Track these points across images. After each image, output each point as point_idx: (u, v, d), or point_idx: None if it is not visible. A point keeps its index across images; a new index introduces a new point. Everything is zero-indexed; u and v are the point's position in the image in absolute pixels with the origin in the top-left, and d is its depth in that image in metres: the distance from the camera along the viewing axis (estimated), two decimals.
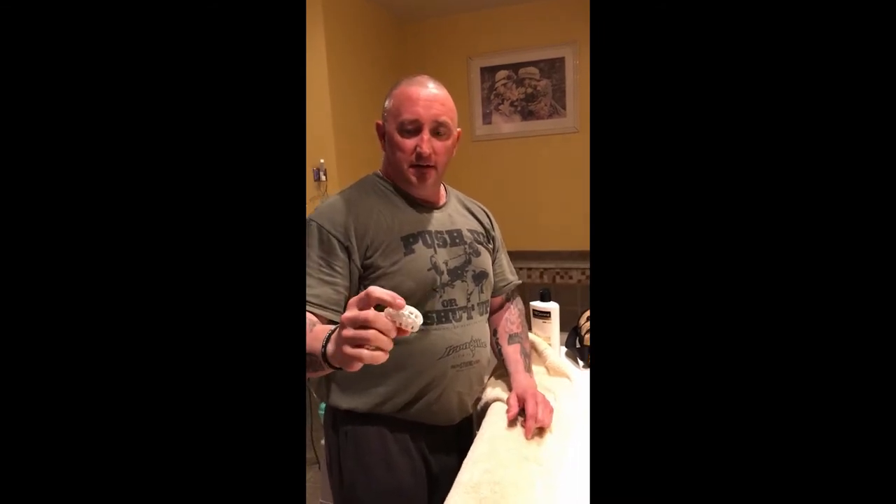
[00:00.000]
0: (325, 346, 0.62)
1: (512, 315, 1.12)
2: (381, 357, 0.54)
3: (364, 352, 0.53)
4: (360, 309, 0.54)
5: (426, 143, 0.89)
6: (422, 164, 0.90)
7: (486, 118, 3.02)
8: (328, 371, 0.66)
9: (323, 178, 2.25)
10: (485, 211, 1.11)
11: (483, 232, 1.05)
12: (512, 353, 1.05)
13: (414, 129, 0.89)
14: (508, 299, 1.14)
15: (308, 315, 0.82)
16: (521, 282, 1.17)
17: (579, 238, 2.86)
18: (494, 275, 1.07)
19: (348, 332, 0.54)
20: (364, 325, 0.54)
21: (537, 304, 1.28)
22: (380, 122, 0.95)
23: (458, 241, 0.98)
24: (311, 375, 0.69)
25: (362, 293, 0.55)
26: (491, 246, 1.07)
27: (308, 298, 0.84)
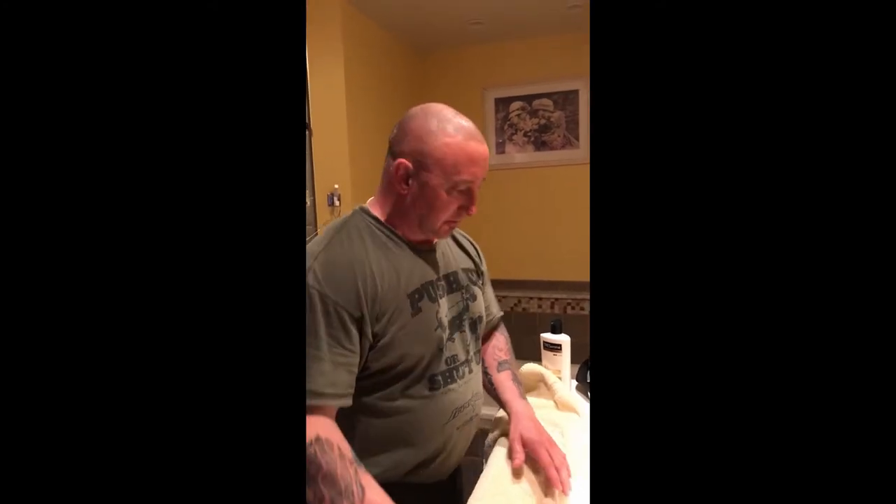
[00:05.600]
0: None
1: (500, 342, 1.07)
2: None
3: None
4: None
5: (476, 205, 0.83)
6: (457, 220, 0.84)
7: (500, 148, 3.05)
8: None
9: (337, 203, 2.27)
10: (472, 242, 1.05)
11: (474, 268, 0.99)
12: (504, 379, 1.00)
13: (466, 189, 0.81)
14: (494, 328, 1.09)
15: (325, 438, 0.69)
16: (503, 313, 1.12)
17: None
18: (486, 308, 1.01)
19: None
20: None
21: (548, 336, 1.27)
22: (407, 163, 0.80)
23: (455, 286, 0.91)
24: None
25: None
26: (481, 282, 1.01)
27: (322, 389, 0.71)
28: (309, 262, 0.75)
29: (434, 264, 0.88)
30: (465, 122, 0.80)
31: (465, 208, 0.83)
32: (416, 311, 0.82)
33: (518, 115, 2.99)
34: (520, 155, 3.01)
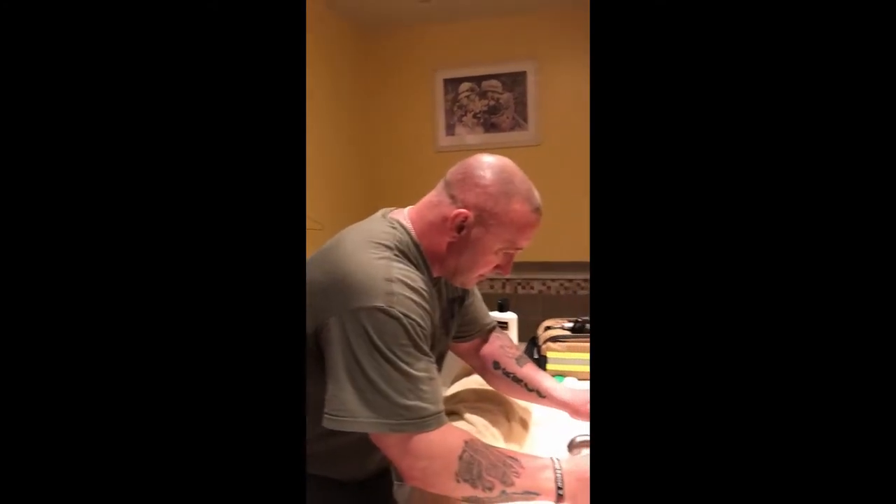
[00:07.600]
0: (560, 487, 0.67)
1: (505, 341, 1.05)
2: None
3: None
4: None
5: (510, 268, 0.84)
6: (487, 275, 0.84)
7: (450, 129, 3.04)
8: None
9: None
10: None
11: (460, 294, 0.95)
12: (531, 371, 1.01)
13: (512, 252, 0.82)
14: (489, 332, 1.07)
15: (469, 440, 0.69)
16: (495, 323, 1.11)
17: (539, 249, 2.89)
18: (477, 319, 1.02)
19: None
20: None
21: (495, 315, 1.30)
22: (469, 214, 0.77)
23: (448, 321, 0.90)
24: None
25: None
26: (465, 301, 0.98)
27: (440, 408, 0.69)
28: (382, 285, 0.69)
29: (440, 299, 0.85)
30: (533, 190, 0.80)
31: (500, 268, 0.83)
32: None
33: (467, 97, 3.00)
34: (470, 136, 3.02)
